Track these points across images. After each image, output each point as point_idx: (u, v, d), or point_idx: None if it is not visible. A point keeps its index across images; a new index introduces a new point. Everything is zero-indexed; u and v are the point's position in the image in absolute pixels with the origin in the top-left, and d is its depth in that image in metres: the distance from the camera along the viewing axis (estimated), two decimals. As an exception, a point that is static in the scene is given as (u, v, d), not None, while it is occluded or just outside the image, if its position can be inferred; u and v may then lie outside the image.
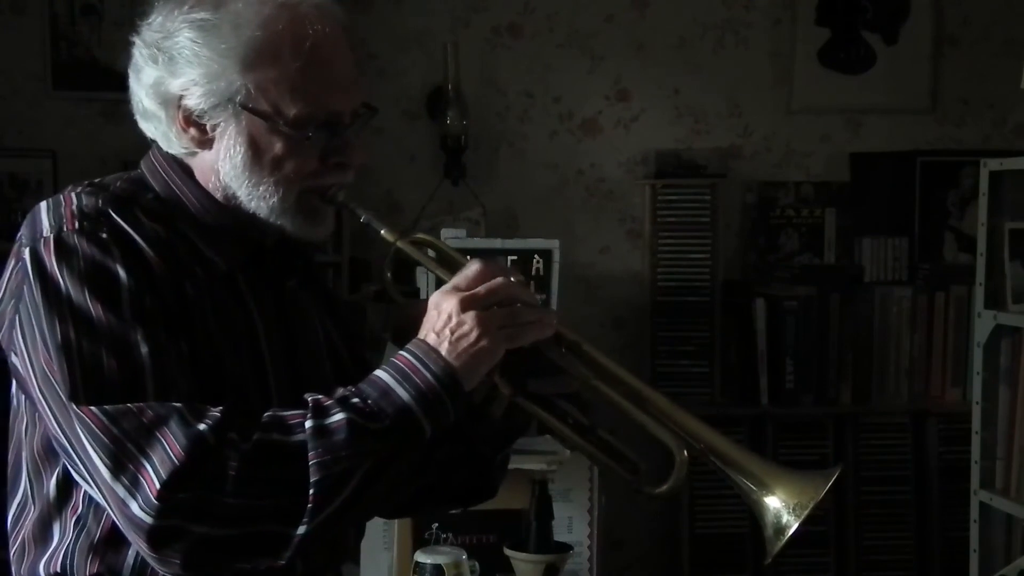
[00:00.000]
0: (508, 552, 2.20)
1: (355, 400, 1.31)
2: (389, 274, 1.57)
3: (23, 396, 1.40)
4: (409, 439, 1.32)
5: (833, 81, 4.42)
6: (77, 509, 1.38)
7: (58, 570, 1.38)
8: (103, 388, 1.28)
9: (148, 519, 1.24)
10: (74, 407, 1.28)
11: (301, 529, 1.27)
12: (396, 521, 2.42)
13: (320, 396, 1.32)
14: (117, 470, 1.26)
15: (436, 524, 2.44)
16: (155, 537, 1.25)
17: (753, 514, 1.40)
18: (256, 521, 1.27)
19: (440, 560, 2.03)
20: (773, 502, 1.38)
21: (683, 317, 4.23)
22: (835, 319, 4.20)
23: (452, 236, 2.91)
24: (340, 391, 1.34)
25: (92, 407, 1.27)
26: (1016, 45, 4.01)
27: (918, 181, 4.39)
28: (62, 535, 1.38)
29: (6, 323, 1.37)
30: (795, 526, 1.35)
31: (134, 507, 1.25)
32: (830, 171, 4.45)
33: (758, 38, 4.42)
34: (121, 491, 1.26)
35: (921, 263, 4.36)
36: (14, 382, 1.41)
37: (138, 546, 1.28)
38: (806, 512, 1.35)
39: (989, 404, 3.10)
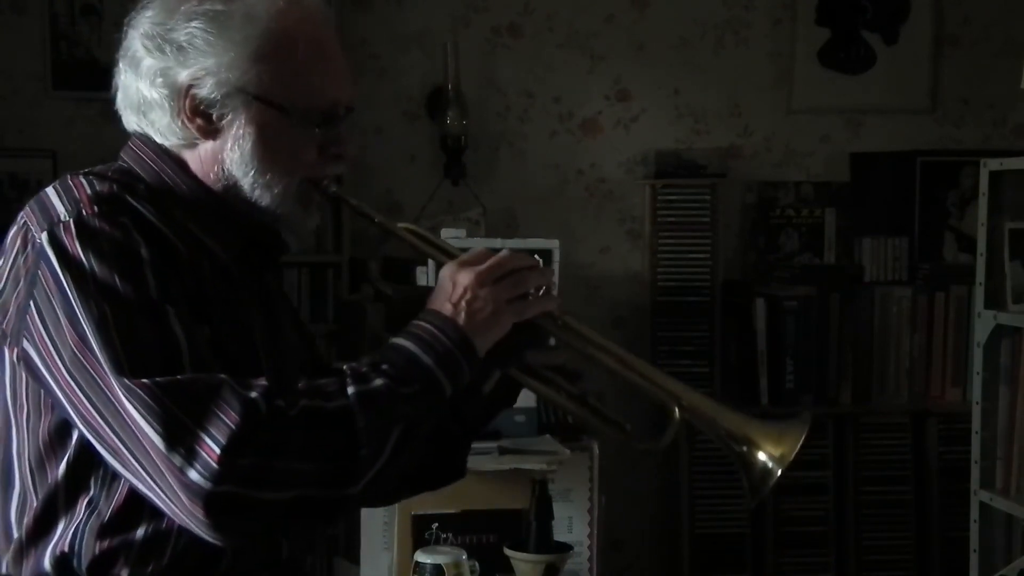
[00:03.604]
0: (508, 552, 2.20)
1: (386, 367, 1.37)
2: (374, 264, 1.65)
3: (26, 385, 1.39)
4: (435, 401, 1.40)
5: (833, 81, 4.43)
6: (89, 492, 1.38)
7: (65, 551, 1.38)
8: (147, 362, 1.30)
9: (208, 485, 1.26)
10: (124, 380, 1.29)
11: (351, 490, 1.33)
12: (396, 521, 2.42)
13: (354, 364, 1.38)
14: (173, 440, 1.27)
15: (436, 524, 2.44)
16: (212, 503, 1.27)
17: (737, 466, 1.48)
18: (307, 485, 1.31)
19: (440, 560, 2.03)
20: (758, 455, 1.46)
21: (683, 317, 4.23)
22: (835, 319, 4.20)
23: (452, 236, 2.91)
24: (367, 359, 1.39)
25: (143, 379, 1.29)
26: (1016, 45, 4.01)
27: (918, 181, 4.39)
28: (70, 519, 1.39)
29: (13, 309, 1.37)
30: (779, 473, 1.45)
31: (192, 475, 1.26)
32: (830, 171, 4.45)
33: (758, 38, 4.42)
34: (178, 460, 1.27)
35: (921, 263, 4.36)
36: (6, 374, 1.40)
37: (189, 514, 1.29)
38: (788, 461, 1.45)
39: (989, 404, 3.09)
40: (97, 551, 1.38)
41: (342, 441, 1.32)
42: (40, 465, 1.40)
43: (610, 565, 3.97)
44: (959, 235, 4.39)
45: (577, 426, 1.47)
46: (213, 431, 1.27)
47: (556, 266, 2.79)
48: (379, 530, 2.44)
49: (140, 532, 1.38)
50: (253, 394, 1.30)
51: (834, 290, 4.21)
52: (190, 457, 1.27)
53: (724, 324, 4.25)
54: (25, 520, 1.41)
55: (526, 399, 2.63)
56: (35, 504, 1.40)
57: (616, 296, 4.37)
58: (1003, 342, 3.07)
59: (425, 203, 4.16)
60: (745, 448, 1.47)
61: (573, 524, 2.56)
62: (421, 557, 2.05)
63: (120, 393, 1.29)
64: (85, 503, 1.38)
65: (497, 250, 1.51)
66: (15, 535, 1.42)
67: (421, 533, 2.42)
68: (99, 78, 4.19)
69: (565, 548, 2.23)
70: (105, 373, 1.30)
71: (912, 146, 4.43)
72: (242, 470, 1.27)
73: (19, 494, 1.41)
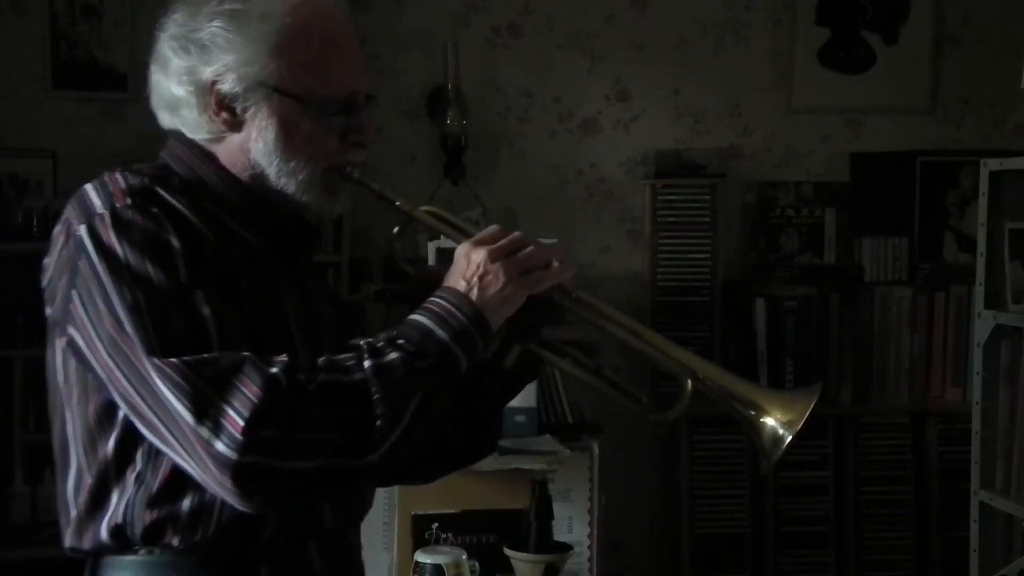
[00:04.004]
0: (508, 552, 2.20)
1: (401, 341, 1.44)
2: (399, 245, 1.73)
3: (73, 368, 1.48)
4: (450, 374, 1.46)
5: (833, 81, 4.43)
6: (136, 466, 1.47)
7: (120, 522, 1.47)
8: (176, 342, 1.38)
9: (234, 455, 1.34)
10: (154, 360, 1.37)
11: (370, 458, 1.40)
12: (396, 521, 2.42)
13: (370, 339, 1.45)
14: (200, 414, 1.35)
15: (436, 524, 2.44)
16: (239, 473, 1.35)
17: (749, 432, 1.54)
18: (328, 454, 1.38)
19: (440, 560, 2.03)
20: (768, 420, 1.52)
21: (683, 317, 4.23)
22: (835, 319, 4.20)
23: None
24: (383, 335, 1.46)
25: (171, 359, 1.37)
26: (1016, 45, 4.01)
27: (918, 181, 4.39)
28: (122, 493, 1.48)
29: (58, 297, 1.46)
30: (790, 439, 1.51)
31: (219, 446, 1.35)
32: (830, 171, 4.45)
33: (758, 38, 4.42)
34: (205, 433, 1.35)
35: (921, 263, 4.36)
36: (57, 358, 1.50)
37: (220, 483, 1.37)
38: (798, 427, 1.51)
39: (989, 404, 3.10)
40: (147, 521, 1.47)
41: (359, 412, 1.39)
42: (91, 444, 1.49)
43: (610, 565, 3.96)
44: (959, 235, 4.39)
45: (599, 395, 1.54)
46: (237, 405, 1.35)
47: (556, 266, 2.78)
48: (379, 530, 2.44)
49: (186, 503, 1.46)
50: (274, 369, 1.37)
51: (834, 290, 4.21)
52: (217, 430, 1.35)
53: (724, 324, 4.25)
54: (81, 497, 1.50)
55: (526, 399, 2.64)
56: (89, 481, 1.49)
57: (616, 296, 4.36)
58: (1003, 342, 3.07)
59: (425, 203, 4.15)
60: (755, 414, 1.53)
61: (573, 524, 2.55)
62: (421, 557, 2.05)
63: (152, 372, 1.38)
64: (134, 477, 1.47)
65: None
66: (73, 512, 1.51)
67: (421, 533, 2.42)
68: (99, 78, 4.27)
69: (565, 548, 2.23)
70: (139, 354, 1.39)
71: (912, 146, 4.43)
72: (265, 441, 1.35)
73: (75, 473, 1.51)
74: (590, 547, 2.56)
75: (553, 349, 1.62)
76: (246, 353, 1.38)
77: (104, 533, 1.49)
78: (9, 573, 3.85)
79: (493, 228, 1.56)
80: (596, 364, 1.63)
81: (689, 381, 1.55)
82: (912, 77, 4.46)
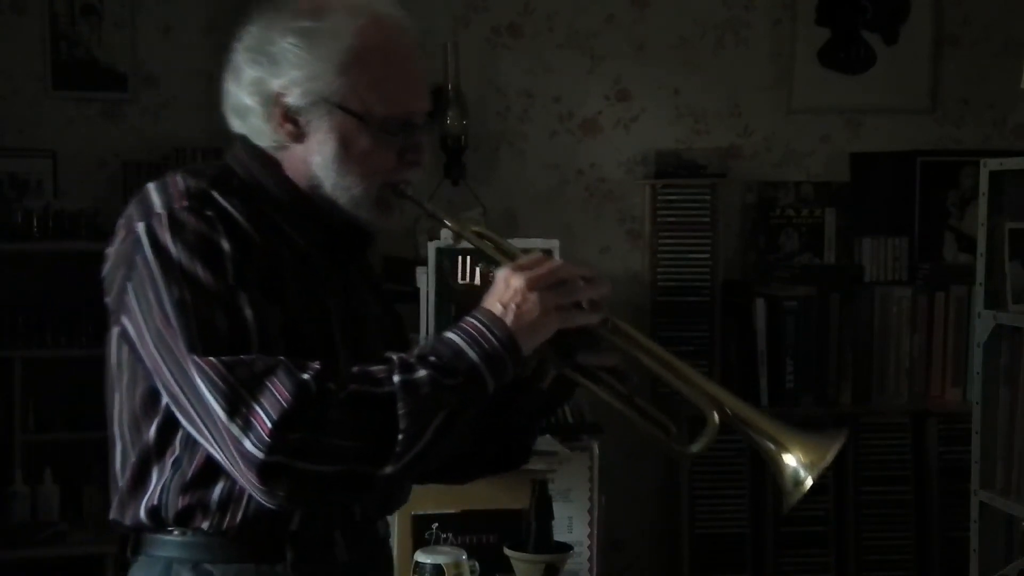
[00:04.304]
0: (508, 552, 2.20)
1: (432, 358, 1.49)
2: (448, 261, 1.76)
3: (125, 354, 1.57)
4: (477, 394, 1.51)
5: (833, 81, 4.43)
6: (175, 452, 1.56)
7: (155, 503, 1.57)
8: (217, 341, 1.46)
9: (260, 454, 1.42)
10: (194, 358, 1.46)
11: (388, 469, 1.46)
12: (396, 521, 2.42)
13: (403, 354, 1.51)
14: (232, 412, 1.43)
15: (436, 524, 2.44)
16: (264, 471, 1.43)
17: (772, 470, 1.56)
18: (350, 461, 1.45)
19: (440, 560, 2.03)
20: (790, 460, 1.55)
21: (683, 317, 4.23)
22: (835, 319, 4.20)
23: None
24: (416, 350, 1.53)
25: (210, 357, 1.45)
26: (1016, 45, 4.01)
27: (918, 181, 4.39)
28: (159, 475, 1.57)
29: (116, 288, 1.56)
30: (811, 482, 1.53)
31: (247, 444, 1.43)
32: (830, 171, 4.45)
33: (758, 38, 4.42)
34: (236, 430, 1.43)
35: (921, 263, 4.36)
36: (114, 344, 1.59)
37: (246, 479, 1.45)
38: (820, 469, 1.53)
39: (989, 404, 3.10)
40: (180, 505, 1.56)
41: (383, 424, 1.45)
42: (136, 426, 1.59)
43: (610, 565, 3.96)
44: (959, 235, 4.39)
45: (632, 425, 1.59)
46: (267, 406, 1.43)
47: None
48: (379, 530, 2.44)
49: (217, 491, 1.55)
50: (306, 376, 1.44)
51: (834, 290, 4.21)
52: (246, 428, 1.43)
53: (724, 324, 4.25)
54: (126, 473, 1.60)
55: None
56: (133, 460, 1.59)
57: (616, 296, 4.31)
58: (1003, 342, 3.07)
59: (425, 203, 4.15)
60: (779, 452, 1.55)
61: (573, 524, 2.55)
62: (421, 557, 2.05)
63: (192, 368, 1.46)
64: (171, 462, 1.56)
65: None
66: (120, 485, 1.61)
67: (421, 533, 2.42)
68: (99, 78, 4.26)
69: (565, 548, 2.22)
70: (181, 349, 1.47)
71: (912, 146, 4.43)
72: (291, 443, 1.42)
73: (121, 451, 1.61)
74: (590, 547, 2.56)
75: (588, 374, 1.66)
76: (282, 357, 1.45)
77: (143, 513, 1.58)
78: (9, 573, 3.85)
79: (537, 255, 1.62)
80: (629, 391, 1.67)
81: (716, 414, 1.58)
82: (912, 77, 4.46)
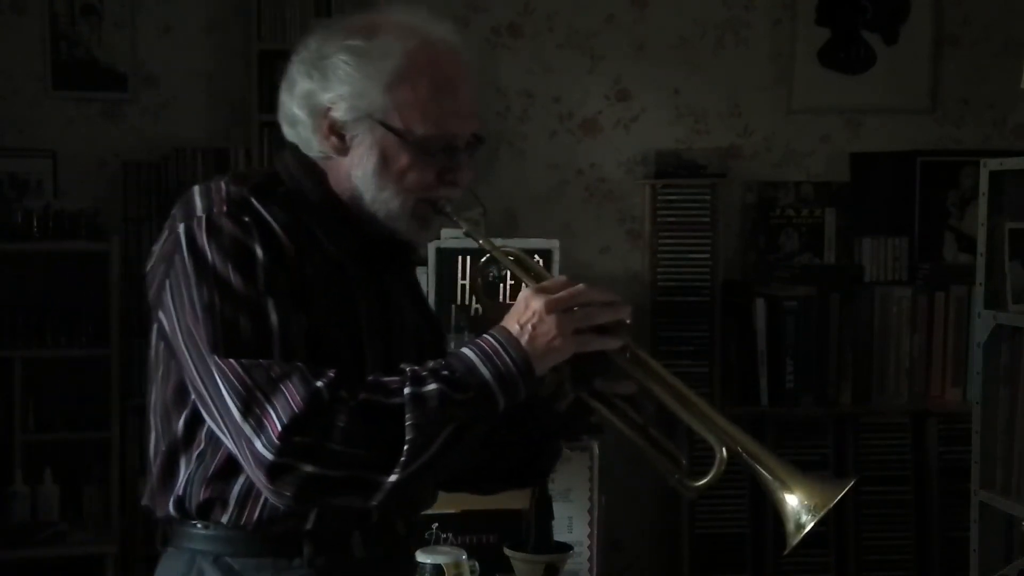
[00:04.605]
0: (508, 552, 2.20)
1: (445, 372, 1.53)
2: (480, 280, 1.88)
3: (162, 347, 1.63)
4: (487, 410, 1.55)
5: (833, 81, 4.43)
6: (200, 445, 1.61)
7: (180, 495, 1.63)
8: (239, 344, 1.52)
9: (269, 455, 1.48)
10: (215, 358, 1.52)
11: (392, 478, 1.50)
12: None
13: (416, 367, 1.55)
14: (246, 412, 1.50)
15: (436, 524, 2.44)
16: (272, 471, 1.49)
17: (776, 510, 1.60)
18: (356, 467, 1.50)
19: (440, 560, 2.03)
20: (793, 501, 1.59)
21: (683, 317, 4.23)
22: (835, 319, 4.20)
23: (452, 235, 2.90)
24: (431, 363, 1.55)
25: (230, 359, 1.52)
26: (1016, 45, 4.01)
27: (918, 181, 4.39)
28: (186, 467, 1.63)
29: (155, 284, 1.62)
30: (811, 524, 1.57)
31: (258, 444, 1.49)
32: (830, 171, 4.45)
33: (758, 38, 4.42)
34: (248, 430, 1.49)
35: (921, 263, 4.36)
36: (154, 336, 1.64)
37: (257, 477, 1.51)
38: (821, 514, 1.58)
39: (989, 404, 3.10)
40: (201, 498, 1.62)
41: (390, 434, 1.49)
42: (166, 418, 1.65)
43: (610, 565, 3.97)
44: (959, 235, 4.40)
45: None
46: (279, 409, 1.48)
47: (556, 266, 2.79)
48: (379, 530, 2.44)
49: (236, 486, 1.60)
50: (320, 383, 1.49)
51: (834, 290, 4.21)
52: (258, 429, 1.49)
53: (724, 324, 4.25)
54: (158, 460, 1.66)
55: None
56: (163, 448, 1.65)
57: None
58: (1003, 342, 3.07)
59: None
60: (783, 492, 1.59)
61: (573, 524, 2.56)
62: (421, 557, 2.05)
63: (213, 368, 1.53)
64: (196, 455, 1.62)
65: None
66: (153, 471, 1.67)
67: (421, 533, 2.42)
68: (99, 78, 4.26)
69: (565, 548, 2.22)
70: (206, 348, 1.53)
71: (912, 146, 4.43)
72: (299, 446, 1.48)
73: (154, 440, 1.67)
74: (590, 547, 2.56)
75: (604, 400, 1.67)
76: (299, 364, 1.51)
77: (171, 506, 1.64)
78: (9, 573, 3.85)
79: (561, 278, 1.63)
80: (644, 421, 1.70)
81: (724, 450, 1.60)
82: (912, 77, 4.46)
